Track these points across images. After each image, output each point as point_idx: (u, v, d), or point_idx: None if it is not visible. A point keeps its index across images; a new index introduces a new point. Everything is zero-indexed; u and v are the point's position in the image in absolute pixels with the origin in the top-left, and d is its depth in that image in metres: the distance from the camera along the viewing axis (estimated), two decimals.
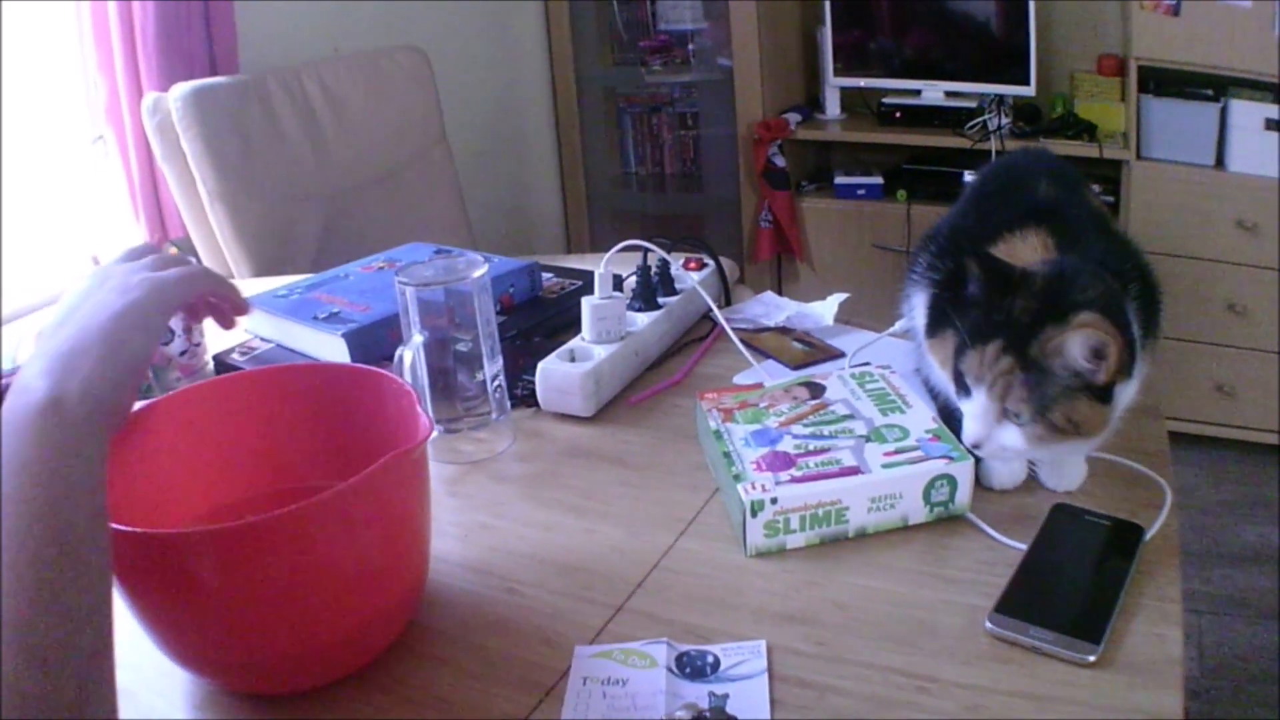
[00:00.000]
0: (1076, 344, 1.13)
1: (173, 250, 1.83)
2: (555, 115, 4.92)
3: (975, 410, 1.21)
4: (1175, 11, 3.74)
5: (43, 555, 0.75)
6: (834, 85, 4.58)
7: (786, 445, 1.30)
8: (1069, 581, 1.15)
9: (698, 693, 1.00)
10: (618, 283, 1.76)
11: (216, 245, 2.89)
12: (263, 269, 2.86)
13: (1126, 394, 1.22)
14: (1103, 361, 1.13)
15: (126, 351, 0.90)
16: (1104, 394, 1.17)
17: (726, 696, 0.99)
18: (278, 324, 1.82)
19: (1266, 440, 4.03)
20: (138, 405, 1.11)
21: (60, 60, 2.85)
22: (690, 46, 4.80)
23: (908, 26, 4.47)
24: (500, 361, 1.50)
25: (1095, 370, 1.14)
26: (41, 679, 0.71)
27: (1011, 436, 1.19)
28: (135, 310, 0.93)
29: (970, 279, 1.23)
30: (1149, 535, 1.21)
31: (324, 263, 2.16)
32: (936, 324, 1.35)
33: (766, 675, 1.02)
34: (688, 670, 1.03)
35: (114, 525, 0.88)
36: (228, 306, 1.07)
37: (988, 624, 1.07)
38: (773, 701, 0.99)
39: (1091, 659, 1.01)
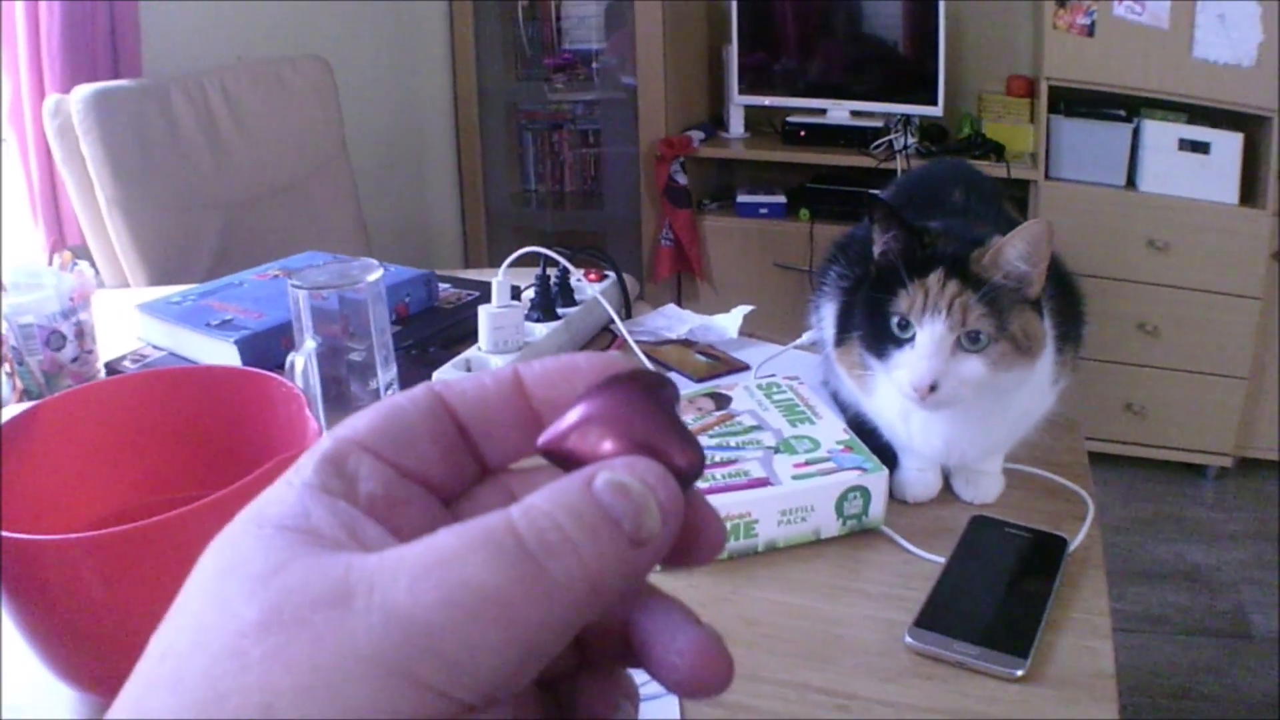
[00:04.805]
0: (1019, 240, 1.14)
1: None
2: (456, 130, 4.89)
3: (927, 347, 1.16)
4: (1089, 32, 3.79)
5: None
6: (738, 103, 4.59)
7: None
8: (991, 594, 1.14)
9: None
10: (516, 294, 1.75)
11: (114, 252, 2.84)
12: (159, 278, 2.81)
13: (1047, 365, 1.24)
14: (1036, 266, 1.14)
15: None
16: (1037, 307, 1.18)
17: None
18: (170, 331, 1.79)
19: (1177, 459, 4.11)
20: (20, 407, 1.08)
21: None
22: (594, 65, 4.81)
23: (814, 46, 4.50)
24: (394, 370, 1.48)
25: (1030, 275, 1.15)
26: None
27: (971, 367, 1.16)
28: None
29: (878, 235, 1.22)
30: (1073, 546, 1.20)
31: (221, 273, 2.12)
32: (845, 332, 1.34)
33: (676, 695, 1.00)
34: None
35: None
36: None
37: (908, 639, 1.06)
38: None
39: (1019, 673, 1.01)
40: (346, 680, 0.33)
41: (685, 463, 0.39)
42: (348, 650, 0.33)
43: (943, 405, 1.19)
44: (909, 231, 1.20)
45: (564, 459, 0.40)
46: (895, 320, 1.19)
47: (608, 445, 0.39)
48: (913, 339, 1.17)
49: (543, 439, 0.41)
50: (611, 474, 0.38)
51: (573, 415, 0.40)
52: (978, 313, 1.14)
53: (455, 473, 0.44)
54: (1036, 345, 1.18)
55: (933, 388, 1.16)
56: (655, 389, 0.41)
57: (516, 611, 0.35)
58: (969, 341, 1.15)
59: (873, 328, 1.22)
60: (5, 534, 0.86)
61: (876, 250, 1.23)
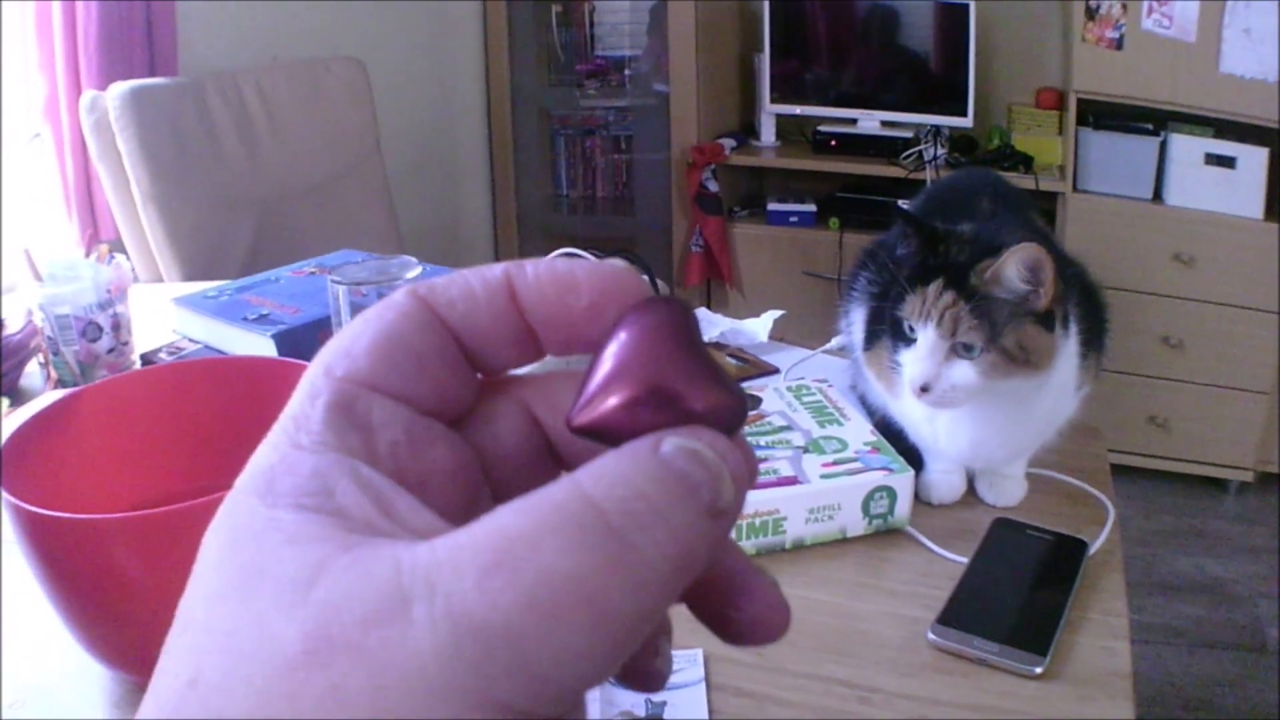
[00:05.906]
0: (1014, 263, 1.15)
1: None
2: (489, 134, 4.91)
3: (922, 350, 1.20)
4: (1118, 45, 3.79)
5: None
6: (770, 112, 4.60)
7: None
8: (1012, 594, 1.15)
9: (634, 699, 0.99)
10: None
11: (148, 247, 2.85)
12: (193, 273, 2.82)
13: (1068, 361, 1.25)
14: (1040, 285, 1.15)
15: None
16: (1046, 321, 1.18)
17: (664, 704, 0.99)
18: (207, 324, 1.80)
19: (1199, 472, 4.10)
20: (62, 393, 1.09)
21: (1, 55, 2.82)
22: (627, 72, 4.82)
23: (846, 56, 4.51)
24: None
25: (1034, 292, 1.16)
26: None
27: (962, 373, 1.18)
28: None
29: (900, 241, 1.26)
30: (1093, 550, 1.21)
31: (255, 269, 2.13)
32: (873, 337, 1.35)
33: (704, 684, 1.01)
34: None
35: (35, 509, 0.86)
36: None
37: (930, 635, 1.07)
38: (710, 710, 0.98)
39: (1038, 670, 1.02)
40: (411, 716, 0.28)
41: (730, 417, 0.35)
42: (414, 679, 0.28)
43: (940, 405, 1.23)
44: (923, 240, 1.23)
45: (601, 435, 0.35)
46: (905, 323, 1.23)
47: (648, 414, 0.34)
48: (916, 341, 1.21)
49: (575, 418, 0.35)
50: (680, 440, 0.32)
51: (599, 376, 0.35)
52: (967, 324, 1.17)
53: (464, 391, 0.39)
54: (1037, 358, 1.19)
55: (927, 388, 1.20)
56: (680, 325, 0.36)
57: (608, 602, 0.29)
58: (963, 348, 1.18)
59: (892, 329, 1.26)
60: (45, 512, 0.87)
61: (900, 249, 1.26)
